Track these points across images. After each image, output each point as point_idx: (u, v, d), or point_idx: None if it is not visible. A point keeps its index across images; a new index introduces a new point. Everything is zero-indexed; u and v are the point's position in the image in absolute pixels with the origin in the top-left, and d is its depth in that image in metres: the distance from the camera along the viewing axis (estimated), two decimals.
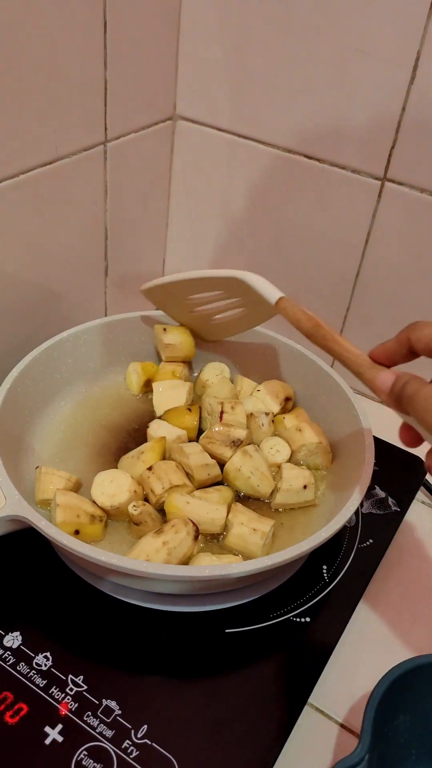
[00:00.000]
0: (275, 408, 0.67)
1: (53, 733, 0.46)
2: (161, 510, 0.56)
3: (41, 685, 0.48)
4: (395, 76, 0.61)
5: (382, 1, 0.59)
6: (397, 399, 0.45)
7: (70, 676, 0.49)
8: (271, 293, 0.56)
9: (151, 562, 0.48)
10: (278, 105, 0.69)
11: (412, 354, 0.47)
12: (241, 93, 0.70)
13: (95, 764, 0.44)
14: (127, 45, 0.64)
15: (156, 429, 0.63)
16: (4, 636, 0.51)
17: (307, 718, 0.50)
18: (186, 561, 0.51)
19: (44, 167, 0.61)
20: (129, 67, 0.66)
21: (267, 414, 0.65)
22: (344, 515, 0.52)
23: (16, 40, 0.53)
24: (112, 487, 0.56)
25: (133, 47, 0.65)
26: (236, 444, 0.60)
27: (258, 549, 0.53)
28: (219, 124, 0.74)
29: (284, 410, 0.68)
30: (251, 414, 0.65)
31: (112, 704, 0.48)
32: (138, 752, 0.45)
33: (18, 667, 0.49)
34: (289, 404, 0.69)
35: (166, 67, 0.72)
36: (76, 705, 0.47)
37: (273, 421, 0.65)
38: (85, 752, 0.45)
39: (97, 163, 0.68)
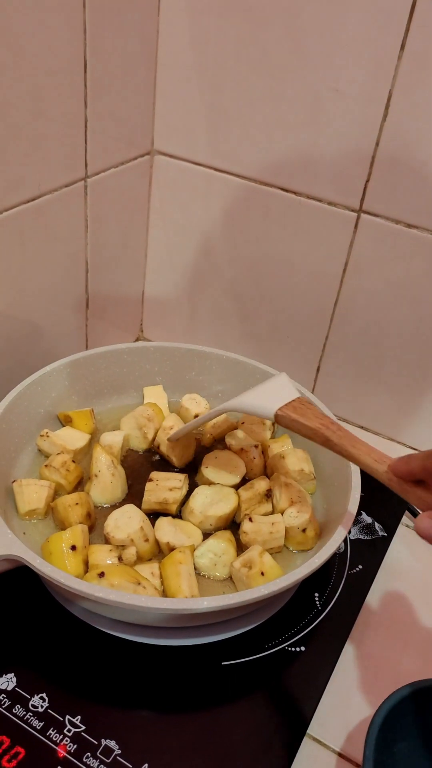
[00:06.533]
0: (266, 434, 0.68)
1: None
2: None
3: (38, 728, 0.47)
4: (368, 113, 0.63)
5: (354, 43, 0.61)
6: None
7: (68, 716, 0.48)
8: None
9: (157, 598, 0.47)
10: (254, 140, 0.70)
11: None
12: (218, 129, 0.72)
13: None
14: (107, 84, 0.66)
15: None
16: None
17: (305, 748, 0.50)
18: None
19: (27, 204, 0.62)
20: (108, 105, 0.67)
21: (256, 446, 0.66)
22: (336, 541, 0.53)
23: (0, 84, 0.54)
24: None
25: (112, 87, 0.67)
26: (268, 496, 0.61)
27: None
28: (196, 158, 0.75)
29: (274, 431, 0.70)
30: (242, 449, 0.65)
31: (112, 744, 0.47)
32: None
33: (14, 710, 0.48)
34: (275, 425, 0.70)
35: (145, 104, 0.73)
36: (75, 746, 0.46)
37: (263, 452, 0.66)
38: None
39: (78, 199, 0.69)
